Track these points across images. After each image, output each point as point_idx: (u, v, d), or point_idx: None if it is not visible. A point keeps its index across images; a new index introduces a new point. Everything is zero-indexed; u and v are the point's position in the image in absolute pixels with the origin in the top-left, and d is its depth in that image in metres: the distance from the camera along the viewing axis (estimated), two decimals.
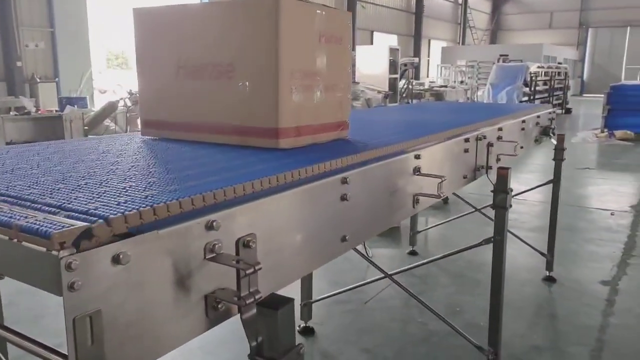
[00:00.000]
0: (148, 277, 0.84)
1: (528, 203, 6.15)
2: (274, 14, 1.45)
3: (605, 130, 12.38)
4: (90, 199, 0.91)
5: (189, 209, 0.93)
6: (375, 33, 25.80)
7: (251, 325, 0.98)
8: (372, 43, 24.32)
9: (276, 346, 1.04)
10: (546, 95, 19.30)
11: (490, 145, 2.40)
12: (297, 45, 1.54)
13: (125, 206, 0.86)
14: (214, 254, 0.94)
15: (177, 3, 1.68)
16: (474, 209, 4.35)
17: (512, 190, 2.38)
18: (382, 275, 2.85)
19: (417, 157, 1.71)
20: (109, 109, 9.97)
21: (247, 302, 0.93)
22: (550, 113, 3.71)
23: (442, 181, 1.75)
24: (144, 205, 0.86)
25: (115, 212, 0.81)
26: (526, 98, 17.43)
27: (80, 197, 0.94)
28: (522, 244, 4.14)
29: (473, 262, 4.15)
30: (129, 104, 10.25)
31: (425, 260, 3.13)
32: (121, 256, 0.77)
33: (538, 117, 3.38)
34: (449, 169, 2.01)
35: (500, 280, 2.45)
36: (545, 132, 3.50)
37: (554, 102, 19.33)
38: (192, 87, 1.65)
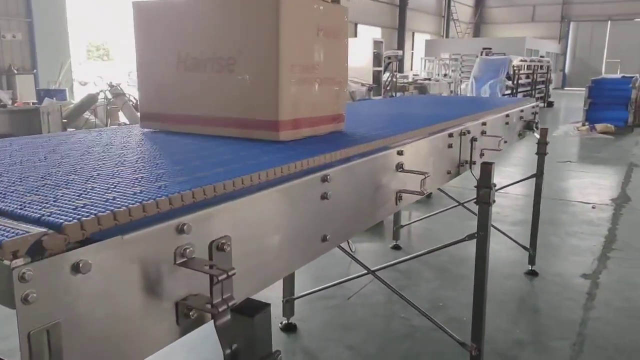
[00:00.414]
0: (112, 286, 0.78)
1: (510, 197, 6.18)
2: (274, 8, 1.48)
3: (587, 123, 12.50)
4: (107, 190, 0.94)
5: (166, 209, 0.87)
6: (359, 25, 25.70)
7: (225, 333, 0.93)
8: (356, 35, 24.21)
9: (252, 354, 0.99)
10: (529, 88, 19.45)
11: (474, 140, 2.38)
12: (297, 39, 1.57)
13: (142, 196, 0.88)
14: (185, 259, 0.89)
15: None
16: (457, 203, 4.35)
17: (495, 186, 2.35)
18: (365, 270, 2.82)
19: (399, 152, 1.68)
20: (89, 102, 9.76)
21: (220, 309, 0.88)
22: (533, 107, 3.69)
23: (425, 177, 1.71)
24: (159, 196, 0.88)
25: (133, 202, 0.84)
26: (509, 91, 17.52)
27: (96, 187, 0.96)
28: (505, 237, 4.14)
29: (456, 256, 4.15)
30: (109, 96, 10.05)
31: (408, 257, 3.10)
32: (81, 265, 0.72)
33: (522, 111, 3.36)
34: (433, 164, 1.98)
35: (484, 276, 2.43)
36: (529, 126, 3.48)
37: (536, 95, 19.49)
38: (192, 80, 1.67)
